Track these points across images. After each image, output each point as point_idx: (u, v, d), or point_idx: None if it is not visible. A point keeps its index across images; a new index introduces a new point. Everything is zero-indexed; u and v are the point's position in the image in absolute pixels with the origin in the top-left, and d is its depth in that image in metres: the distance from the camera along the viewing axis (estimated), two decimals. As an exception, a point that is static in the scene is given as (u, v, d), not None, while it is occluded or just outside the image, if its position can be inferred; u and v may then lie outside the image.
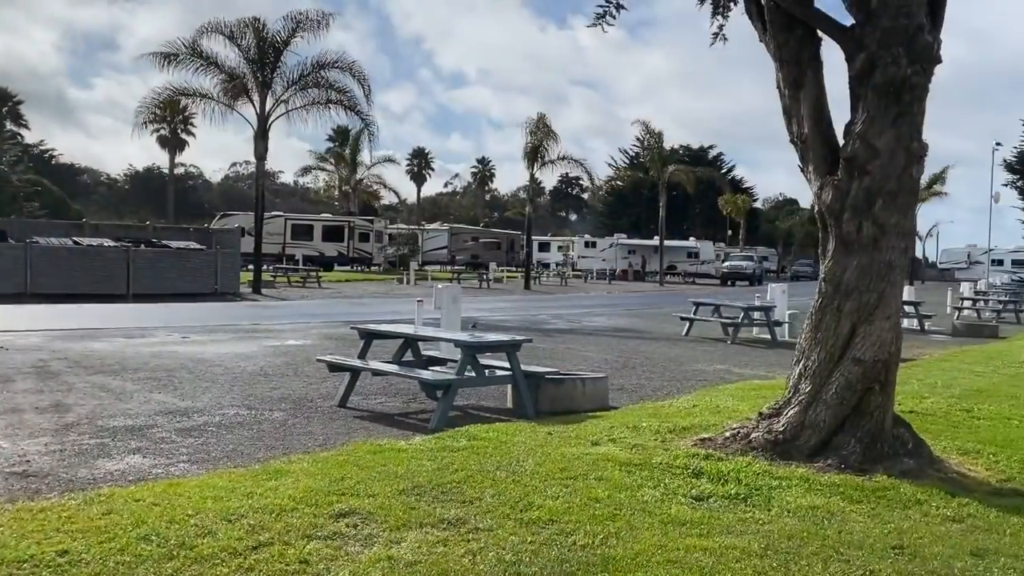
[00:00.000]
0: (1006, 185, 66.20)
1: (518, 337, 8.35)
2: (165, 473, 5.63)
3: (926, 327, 20.31)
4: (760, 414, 6.20)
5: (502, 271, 48.55)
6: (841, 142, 5.93)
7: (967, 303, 27.79)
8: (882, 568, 3.93)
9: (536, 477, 5.27)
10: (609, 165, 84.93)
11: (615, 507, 4.70)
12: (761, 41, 6.41)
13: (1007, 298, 30.09)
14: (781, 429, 5.85)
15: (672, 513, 4.63)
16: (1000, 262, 61.95)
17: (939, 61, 5.67)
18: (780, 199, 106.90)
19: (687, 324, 17.38)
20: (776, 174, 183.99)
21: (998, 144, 57.41)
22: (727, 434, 6.20)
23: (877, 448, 5.65)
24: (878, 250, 5.66)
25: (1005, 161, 64.55)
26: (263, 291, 28.04)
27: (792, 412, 5.86)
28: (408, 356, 8.92)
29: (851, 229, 5.71)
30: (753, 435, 5.99)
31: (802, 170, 6.22)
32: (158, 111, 32.63)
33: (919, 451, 5.75)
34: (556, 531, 4.31)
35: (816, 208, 6.01)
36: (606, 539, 4.20)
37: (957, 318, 23.65)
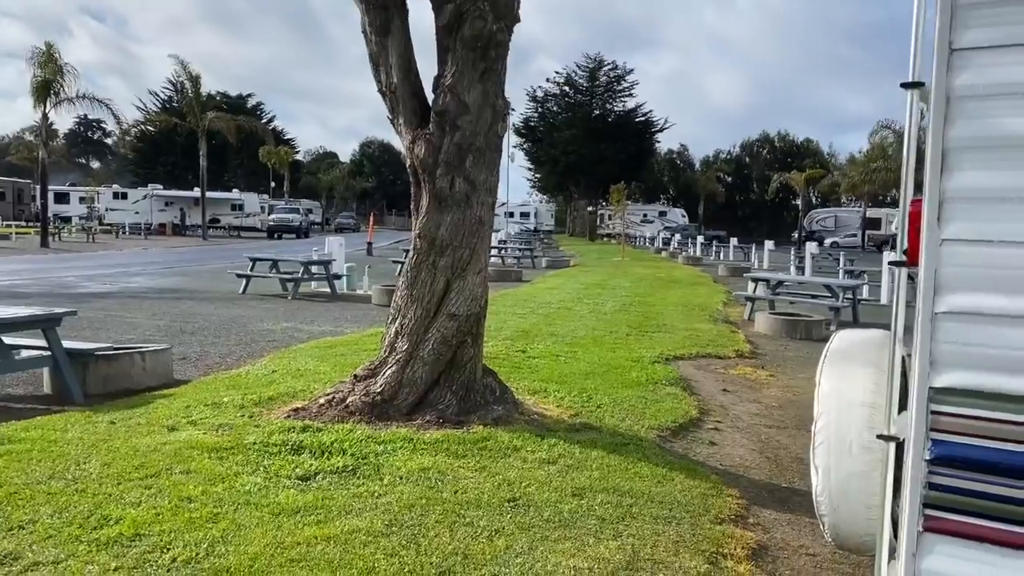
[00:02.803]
0: (515, 147, 75.47)
1: (58, 310, 6.91)
2: None
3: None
4: (355, 376, 5.94)
5: (10, 227, 41.49)
6: (430, 95, 5.81)
7: (494, 251, 31.23)
8: (504, 524, 3.96)
9: (107, 482, 4.33)
10: (138, 108, 76.80)
11: (215, 505, 4.05)
12: (342, -20, 5.98)
13: (523, 246, 34.86)
14: (379, 390, 5.66)
15: (281, 501, 4.14)
16: (512, 214, 70.81)
17: (519, 20, 5.83)
18: (320, 152, 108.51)
19: (244, 281, 16.55)
20: (312, 126, 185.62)
21: (512, 109, 64.96)
22: (321, 401, 5.83)
23: (471, 399, 5.78)
24: (470, 206, 5.70)
25: (514, 126, 73.39)
26: None
27: (390, 371, 5.70)
28: None
29: (444, 185, 5.65)
30: (350, 399, 5.71)
31: (391, 121, 5.97)
32: None
33: (505, 397, 6.02)
34: (148, 548, 3.54)
35: (408, 162, 5.84)
36: (212, 547, 3.57)
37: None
